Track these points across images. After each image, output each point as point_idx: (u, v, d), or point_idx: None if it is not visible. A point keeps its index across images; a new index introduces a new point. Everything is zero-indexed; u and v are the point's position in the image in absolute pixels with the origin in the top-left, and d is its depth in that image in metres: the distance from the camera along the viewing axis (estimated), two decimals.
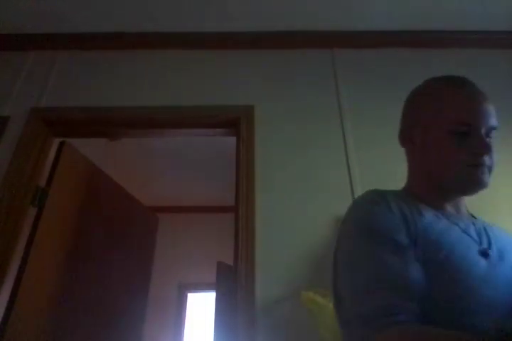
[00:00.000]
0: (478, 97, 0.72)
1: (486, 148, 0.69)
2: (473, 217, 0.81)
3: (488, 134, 0.71)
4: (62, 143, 1.76)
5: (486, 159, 0.70)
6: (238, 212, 1.54)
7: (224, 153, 2.87)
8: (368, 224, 0.66)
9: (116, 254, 2.04)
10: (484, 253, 0.66)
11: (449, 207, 0.76)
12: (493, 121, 0.72)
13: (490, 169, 0.71)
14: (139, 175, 3.40)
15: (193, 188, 3.70)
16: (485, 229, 0.74)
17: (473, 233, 0.71)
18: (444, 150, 0.71)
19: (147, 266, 2.38)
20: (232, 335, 1.35)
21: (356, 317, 0.58)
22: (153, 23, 1.89)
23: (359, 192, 1.55)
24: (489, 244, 0.70)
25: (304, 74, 1.89)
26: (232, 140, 1.80)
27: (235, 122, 1.76)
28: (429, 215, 0.71)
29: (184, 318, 3.66)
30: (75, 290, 1.71)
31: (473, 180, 0.69)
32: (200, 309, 4.03)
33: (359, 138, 1.70)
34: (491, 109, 0.72)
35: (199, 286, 3.76)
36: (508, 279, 0.64)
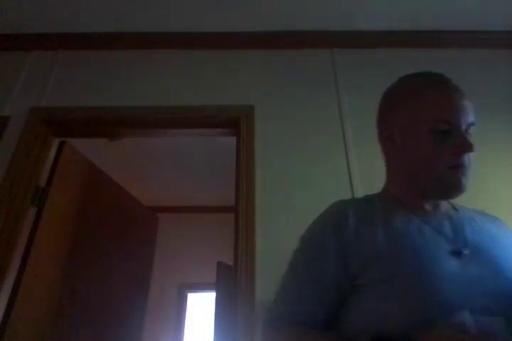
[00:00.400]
0: (457, 94, 0.71)
1: (469, 147, 0.67)
2: (455, 208, 0.79)
3: (467, 131, 0.70)
4: (62, 143, 1.76)
5: (466, 159, 0.69)
6: (238, 212, 1.54)
7: (224, 153, 2.87)
8: (309, 245, 0.74)
9: (116, 254, 2.05)
10: (456, 253, 0.66)
11: (427, 205, 0.75)
12: (472, 117, 0.71)
13: (468, 170, 0.70)
14: (138, 175, 3.40)
15: (193, 188, 3.71)
16: (463, 224, 0.72)
17: (447, 231, 0.70)
18: (425, 149, 0.70)
19: (147, 266, 2.38)
20: (232, 335, 1.35)
21: (264, 318, 0.73)
22: (153, 23, 1.89)
23: (359, 191, 1.55)
24: (465, 240, 0.68)
25: (304, 74, 1.89)
26: (232, 140, 1.80)
27: (235, 122, 1.76)
28: (399, 219, 0.71)
29: (184, 318, 3.66)
30: (74, 290, 1.71)
31: (453, 184, 0.69)
32: (200, 309, 4.03)
33: (359, 138, 1.70)
34: (469, 105, 0.71)
35: (199, 286, 3.77)
36: (482, 278, 0.63)
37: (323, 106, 1.79)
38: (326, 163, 1.64)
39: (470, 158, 0.69)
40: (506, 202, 1.57)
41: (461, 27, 1.93)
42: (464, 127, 0.69)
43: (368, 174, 1.60)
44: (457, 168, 0.68)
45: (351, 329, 0.66)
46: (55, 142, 1.80)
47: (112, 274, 1.99)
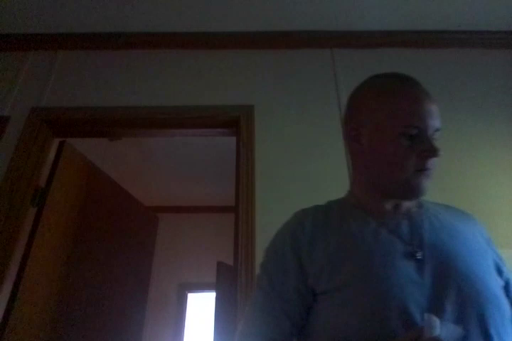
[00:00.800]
0: (427, 99, 0.72)
1: (436, 152, 0.68)
2: (419, 204, 0.78)
3: (433, 136, 0.71)
4: (62, 143, 1.76)
5: (431, 162, 0.69)
6: (238, 212, 1.54)
7: (224, 153, 2.88)
8: (271, 259, 0.76)
9: (116, 254, 2.05)
10: (411, 255, 0.66)
11: (387, 205, 0.75)
12: (438, 122, 0.72)
13: (431, 172, 0.71)
14: (138, 175, 3.40)
15: (193, 188, 3.71)
16: (422, 222, 0.72)
17: (404, 232, 0.70)
18: (393, 151, 0.70)
19: (147, 266, 2.38)
20: (232, 335, 1.35)
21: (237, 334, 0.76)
22: (153, 23, 1.89)
23: None
24: (421, 241, 0.68)
25: (303, 74, 1.89)
26: (232, 140, 1.80)
27: (235, 122, 1.76)
28: (355, 224, 0.72)
29: (184, 318, 3.66)
30: (74, 290, 1.71)
31: (416, 187, 0.69)
32: (200, 309, 4.03)
33: None
34: (436, 110, 0.72)
35: (199, 286, 3.77)
36: (437, 279, 0.63)
37: (323, 106, 1.79)
38: (326, 162, 1.64)
39: (434, 162, 0.70)
40: (507, 203, 1.57)
41: (461, 27, 1.93)
42: (430, 132, 0.70)
43: None
44: (422, 171, 0.69)
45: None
46: (55, 142, 1.80)
47: (111, 274, 1.99)
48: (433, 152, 0.68)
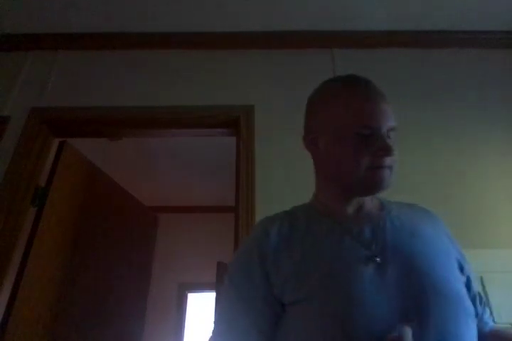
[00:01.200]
0: (378, 98, 0.72)
1: (389, 151, 0.68)
2: (382, 205, 0.78)
3: (387, 135, 0.71)
4: (62, 143, 1.76)
5: (388, 160, 0.69)
6: (238, 212, 1.54)
7: (224, 153, 2.87)
8: (237, 271, 0.73)
9: (116, 254, 2.05)
10: (371, 259, 0.65)
11: (350, 209, 0.75)
12: (392, 121, 0.72)
13: (391, 169, 0.70)
14: (139, 175, 3.40)
15: (193, 188, 3.71)
16: (384, 224, 0.72)
17: (366, 236, 0.69)
18: (346, 152, 0.70)
19: (147, 266, 2.38)
20: None
21: None
22: (153, 23, 1.89)
23: None
24: (384, 244, 0.68)
25: (304, 74, 1.89)
26: (232, 140, 1.80)
27: (235, 122, 1.76)
28: (319, 232, 0.71)
29: (184, 318, 3.66)
30: (74, 290, 1.71)
31: (375, 182, 0.69)
32: (200, 309, 4.03)
33: None
34: (390, 109, 0.72)
35: (199, 286, 3.77)
36: (401, 280, 0.63)
37: None
38: None
39: (392, 159, 0.70)
40: (507, 204, 1.57)
41: (461, 27, 1.93)
42: (384, 131, 0.70)
43: None
44: (377, 169, 0.69)
45: None
46: (55, 142, 1.80)
47: (111, 274, 1.99)
48: (386, 151, 0.68)
